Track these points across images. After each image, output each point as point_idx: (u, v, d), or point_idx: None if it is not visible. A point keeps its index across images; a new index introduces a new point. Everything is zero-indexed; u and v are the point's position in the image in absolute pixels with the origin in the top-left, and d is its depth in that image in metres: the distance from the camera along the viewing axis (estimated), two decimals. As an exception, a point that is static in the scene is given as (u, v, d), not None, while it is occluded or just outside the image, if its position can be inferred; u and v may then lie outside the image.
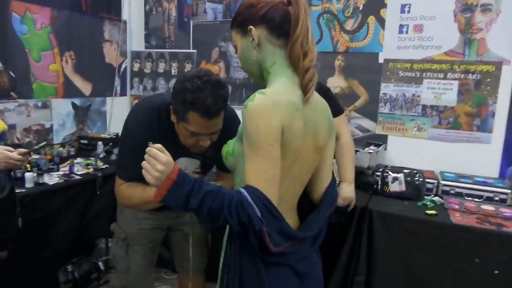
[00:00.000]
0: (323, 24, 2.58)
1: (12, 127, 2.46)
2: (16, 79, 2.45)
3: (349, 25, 2.52)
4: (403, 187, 2.08)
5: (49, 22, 2.62)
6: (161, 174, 0.87)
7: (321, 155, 1.07)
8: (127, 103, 3.36)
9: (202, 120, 1.20)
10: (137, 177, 1.33)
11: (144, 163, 0.89)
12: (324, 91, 1.83)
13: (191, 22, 3.01)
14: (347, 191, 1.78)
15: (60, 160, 2.44)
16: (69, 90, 2.81)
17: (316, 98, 1.03)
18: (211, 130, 1.29)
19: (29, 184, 2.03)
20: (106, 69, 3.12)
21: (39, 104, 2.62)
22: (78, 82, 2.88)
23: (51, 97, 2.69)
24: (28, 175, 2.04)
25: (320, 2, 2.57)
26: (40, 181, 2.09)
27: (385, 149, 2.51)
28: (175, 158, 1.40)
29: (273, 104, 0.89)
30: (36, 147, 1.36)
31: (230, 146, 1.02)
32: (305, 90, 0.96)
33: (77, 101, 2.89)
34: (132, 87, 3.36)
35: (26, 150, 1.35)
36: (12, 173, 1.66)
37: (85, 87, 2.95)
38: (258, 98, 0.88)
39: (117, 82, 3.23)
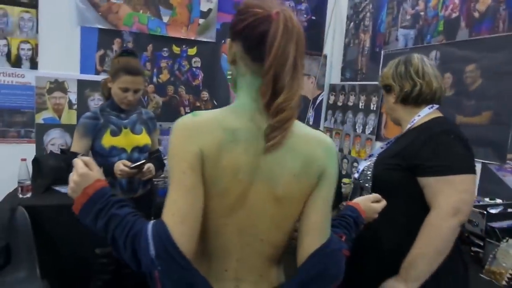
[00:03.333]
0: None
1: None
2: (217, 107, 2.99)
3: None
4: None
5: (251, 60, 3.05)
6: (76, 186, 0.81)
7: (290, 209, 0.80)
8: (320, 134, 3.40)
9: None
10: None
11: (70, 174, 0.85)
12: (433, 135, 1.25)
13: (382, 52, 2.75)
14: None
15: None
16: (262, 119, 3.15)
17: (293, 134, 0.79)
18: None
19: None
20: (301, 101, 3.29)
21: (234, 128, 3.08)
22: (271, 112, 3.19)
23: (245, 123, 3.11)
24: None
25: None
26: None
27: None
28: None
29: (196, 126, 0.75)
30: (137, 164, 1.67)
31: None
32: (268, 135, 0.75)
33: (268, 128, 3.19)
34: (326, 119, 3.40)
35: (135, 164, 1.67)
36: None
37: (278, 117, 3.22)
38: (186, 117, 0.77)
39: (310, 114, 3.35)
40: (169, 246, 0.71)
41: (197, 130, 0.75)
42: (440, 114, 1.38)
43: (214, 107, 2.97)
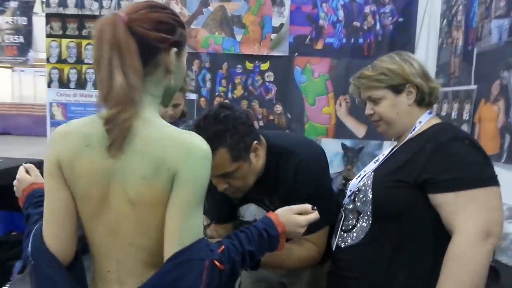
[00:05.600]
0: None
1: (284, 158, 2.99)
2: (291, 120, 2.96)
3: None
4: None
5: (327, 70, 2.93)
6: (16, 189, 0.99)
7: (149, 214, 0.79)
8: (413, 149, 2.99)
9: None
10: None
11: None
12: (443, 143, 1.04)
13: (475, 50, 2.27)
14: None
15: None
16: (340, 131, 2.97)
17: (142, 135, 0.79)
18: (213, 173, 1.20)
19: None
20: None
21: (309, 142, 2.98)
22: (351, 124, 2.97)
23: (322, 136, 2.97)
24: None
25: None
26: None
27: None
28: (244, 203, 1.38)
29: (58, 134, 0.84)
30: None
31: None
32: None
33: (348, 142, 2.98)
34: (422, 132, 2.97)
35: None
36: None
37: (359, 130, 2.97)
38: (58, 127, 0.86)
39: (401, 126, 2.98)
40: (40, 244, 0.81)
41: (57, 139, 0.83)
42: (439, 120, 1.13)
43: (288, 120, 2.96)
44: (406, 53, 1.22)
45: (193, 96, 2.94)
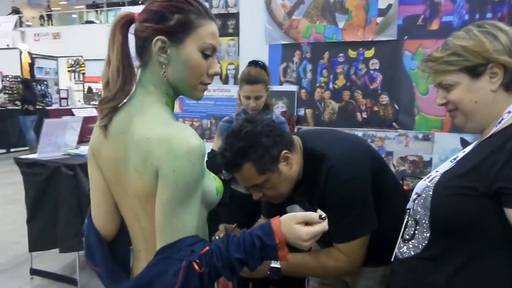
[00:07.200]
0: None
1: (389, 154, 2.74)
2: (398, 111, 2.68)
3: None
4: None
5: (444, 54, 2.54)
6: None
7: (147, 205, 0.82)
8: None
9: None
10: None
11: None
12: None
13: None
14: None
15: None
16: (459, 124, 2.55)
17: (139, 127, 0.82)
18: (244, 184, 1.25)
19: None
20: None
21: (420, 136, 2.65)
22: (474, 115, 2.53)
23: (436, 130, 2.62)
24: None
25: None
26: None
27: None
28: (291, 202, 1.40)
29: (95, 126, 0.92)
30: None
31: None
32: None
33: (468, 137, 2.54)
34: None
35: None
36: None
37: (484, 122, 2.51)
38: None
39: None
40: (89, 218, 0.95)
41: (94, 130, 0.92)
42: None
43: (395, 112, 2.69)
44: (491, 23, 0.96)
45: (293, 87, 2.93)
